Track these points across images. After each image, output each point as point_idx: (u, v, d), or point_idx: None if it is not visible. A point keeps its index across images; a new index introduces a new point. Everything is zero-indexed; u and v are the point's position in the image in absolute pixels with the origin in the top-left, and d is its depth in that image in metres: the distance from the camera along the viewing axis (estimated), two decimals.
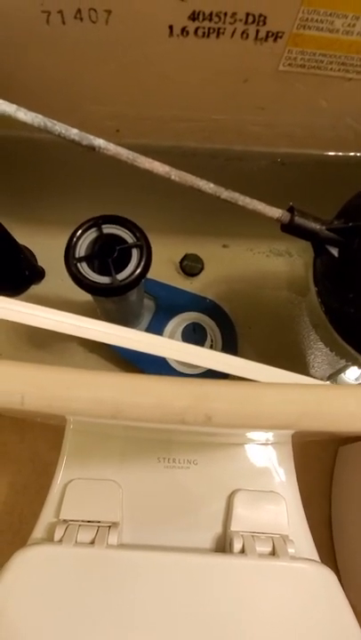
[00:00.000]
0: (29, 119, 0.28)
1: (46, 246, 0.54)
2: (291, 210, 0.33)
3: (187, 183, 0.30)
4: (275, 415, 0.17)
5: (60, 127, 0.28)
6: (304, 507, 0.54)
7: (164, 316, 0.51)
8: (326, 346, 0.51)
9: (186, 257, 0.54)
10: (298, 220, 0.33)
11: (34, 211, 0.55)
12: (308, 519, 0.53)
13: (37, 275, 0.54)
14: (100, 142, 0.29)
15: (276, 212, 0.32)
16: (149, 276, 0.38)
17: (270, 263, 0.55)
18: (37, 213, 0.55)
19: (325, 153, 0.45)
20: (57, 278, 0.53)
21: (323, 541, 0.89)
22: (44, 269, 0.54)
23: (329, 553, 0.89)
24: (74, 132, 0.28)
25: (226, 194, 0.31)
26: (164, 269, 0.54)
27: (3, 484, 0.96)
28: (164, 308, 0.51)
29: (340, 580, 0.48)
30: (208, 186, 0.31)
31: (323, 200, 0.36)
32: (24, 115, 0.28)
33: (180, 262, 0.54)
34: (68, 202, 0.53)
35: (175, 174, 0.30)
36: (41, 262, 0.54)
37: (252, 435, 0.44)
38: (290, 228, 0.33)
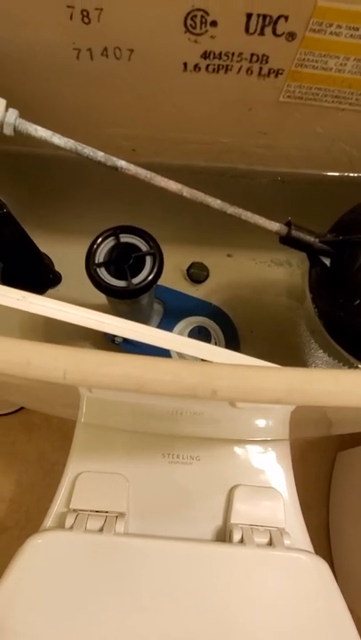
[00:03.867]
0: (62, 143, 0.32)
1: (63, 253, 0.57)
2: (288, 224, 0.36)
3: (197, 199, 0.34)
4: (268, 390, 0.21)
5: (88, 150, 0.33)
6: (302, 512, 0.55)
7: (172, 320, 0.54)
8: (322, 349, 0.54)
9: (192, 265, 0.56)
10: (294, 233, 0.36)
11: (54, 221, 0.58)
12: (306, 524, 0.55)
13: (55, 279, 0.57)
14: (122, 163, 0.33)
15: (275, 226, 0.36)
16: (159, 282, 0.41)
17: (271, 272, 0.58)
18: (57, 224, 0.58)
19: (321, 173, 0.49)
20: (72, 283, 0.56)
21: (321, 546, 0.89)
22: (60, 274, 0.57)
23: (327, 558, 0.89)
24: (100, 155, 0.33)
25: (231, 209, 0.35)
26: (172, 276, 0.57)
27: (11, 482, 0.97)
28: (171, 311, 0.54)
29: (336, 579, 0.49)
30: (215, 202, 0.35)
31: (319, 215, 0.40)
32: (58, 139, 0.32)
33: (187, 270, 0.57)
34: (85, 214, 0.56)
35: (187, 192, 0.34)
36: (58, 268, 0.57)
37: (252, 420, 0.47)
38: (287, 240, 0.37)
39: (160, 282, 0.42)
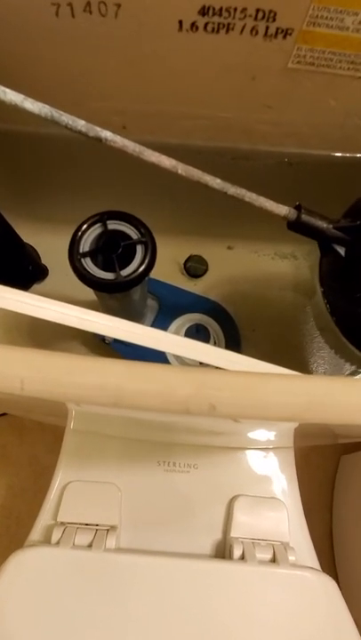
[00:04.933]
0: (36, 109, 0.27)
1: (49, 245, 0.54)
2: (298, 207, 0.32)
3: (193, 178, 0.30)
4: (281, 405, 0.17)
5: (66, 118, 0.28)
6: (305, 516, 0.53)
7: (168, 317, 0.51)
8: (332, 348, 0.51)
9: (190, 258, 0.54)
10: (305, 217, 0.32)
11: (38, 209, 0.55)
12: (309, 529, 0.53)
13: (40, 273, 0.54)
14: (106, 134, 0.29)
15: (283, 210, 0.32)
16: (153, 276, 0.38)
17: (275, 266, 0.55)
18: (41, 212, 0.55)
19: (333, 154, 0.45)
20: (60, 277, 0.53)
21: (324, 552, 0.89)
22: (47, 267, 0.54)
23: (330, 563, 0.88)
24: (81, 124, 0.28)
25: (233, 190, 0.31)
26: (167, 270, 0.54)
27: (1, 486, 0.96)
28: (167, 308, 0.51)
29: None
30: (215, 181, 0.30)
31: (329, 201, 0.36)
32: (31, 105, 0.27)
33: (185, 263, 0.54)
34: (72, 201, 0.52)
35: (182, 168, 0.30)
36: (44, 261, 0.54)
37: (254, 432, 0.44)
38: (296, 226, 0.33)
39: (155, 276, 0.39)
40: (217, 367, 0.27)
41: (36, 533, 0.53)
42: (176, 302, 0.51)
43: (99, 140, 0.29)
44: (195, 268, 0.54)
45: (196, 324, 0.51)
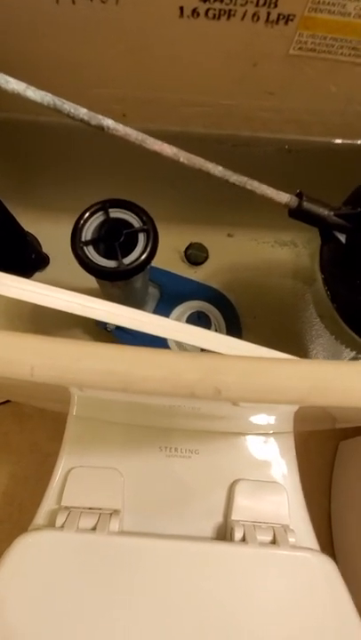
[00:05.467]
0: (38, 97, 0.27)
1: (51, 233, 0.53)
2: (299, 195, 0.32)
3: (195, 165, 0.30)
4: (285, 389, 0.17)
5: (68, 106, 0.28)
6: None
7: (169, 304, 0.51)
8: (332, 335, 0.51)
9: (191, 246, 0.54)
10: (306, 205, 0.32)
11: (39, 197, 0.54)
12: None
13: (42, 261, 0.54)
14: (108, 122, 0.29)
15: (284, 197, 0.32)
16: (154, 264, 0.38)
17: (275, 253, 0.55)
18: (43, 200, 0.54)
19: (333, 140, 0.45)
20: (61, 265, 0.53)
21: (322, 536, 0.89)
22: (48, 256, 0.54)
23: (328, 547, 0.88)
24: (83, 112, 0.28)
25: (234, 177, 0.31)
26: (168, 258, 0.54)
27: (3, 474, 0.96)
28: (168, 296, 0.51)
29: None
30: (216, 169, 0.31)
31: (329, 188, 0.36)
32: (33, 93, 0.27)
33: (185, 251, 0.54)
34: (73, 189, 0.52)
35: (183, 156, 0.30)
36: (45, 249, 0.54)
37: (254, 417, 0.44)
38: (298, 214, 0.33)
39: (156, 264, 0.39)
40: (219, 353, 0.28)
41: (40, 518, 0.53)
42: (177, 290, 0.51)
43: (101, 128, 0.29)
44: (195, 255, 0.54)
45: (198, 312, 0.51)
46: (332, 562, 0.49)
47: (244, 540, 0.50)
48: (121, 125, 0.29)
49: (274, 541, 0.50)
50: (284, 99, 0.40)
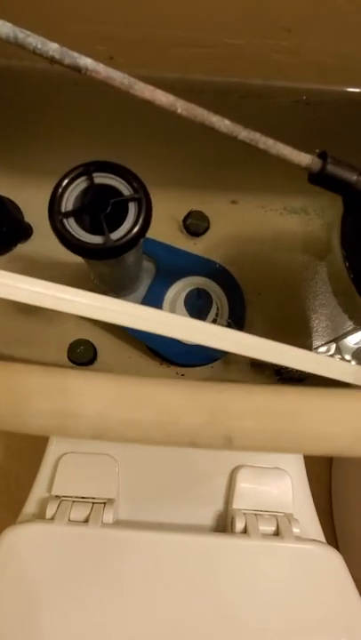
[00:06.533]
0: None
1: (32, 200, 0.49)
2: (322, 156, 0.27)
3: (196, 118, 0.24)
4: (321, 436, 0.12)
5: (34, 40, 0.22)
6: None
7: (166, 281, 0.46)
8: (346, 313, 0.47)
9: (190, 214, 0.49)
10: (331, 168, 0.27)
11: (18, 158, 0.49)
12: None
13: (23, 232, 0.49)
14: (86, 62, 0.23)
15: (304, 159, 0.26)
16: (149, 235, 0.33)
17: (284, 222, 0.50)
18: (22, 161, 0.50)
19: None
20: (45, 236, 0.48)
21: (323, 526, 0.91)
22: (30, 226, 0.49)
23: (329, 527, 0.89)
24: (53, 47, 0.22)
25: (245, 133, 0.25)
26: (165, 228, 0.50)
27: None
28: (165, 271, 0.46)
29: None
30: (223, 123, 0.25)
31: (353, 148, 0.31)
32: None
33: (184, 221, 0.49)
34: (56, 149, 0.47)
35: (182, 107, 0.24)
36: (27, 218, 0.49)
37: None
38: (320, 179, 0.27)
39: (151, 235, 0.35)
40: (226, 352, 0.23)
41: (30, 506, 0.52)
42: (175, 264, 0.47)
43: (77, 69, 0.23)
44: (195, 225, 0.49)
45: (197, 289, 0.47)
46: (338, 554, 0.49)
47: (245, 531, 0.48)
48: (102, 66, 0.23)
49: (277, 532, 0.48)
50: (305, 37, 0.33)
